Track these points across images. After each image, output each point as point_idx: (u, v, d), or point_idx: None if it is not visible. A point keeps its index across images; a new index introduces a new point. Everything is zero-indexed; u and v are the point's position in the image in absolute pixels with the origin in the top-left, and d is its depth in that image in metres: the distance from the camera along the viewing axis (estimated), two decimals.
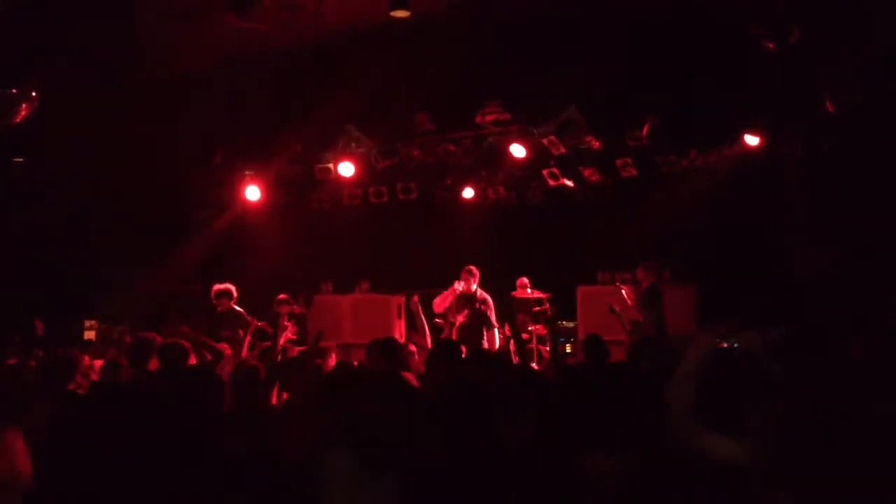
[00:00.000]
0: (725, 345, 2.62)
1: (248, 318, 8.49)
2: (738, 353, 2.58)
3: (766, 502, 2.36)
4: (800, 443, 2.29)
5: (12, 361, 7.00)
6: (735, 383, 2.55)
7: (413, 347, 6.95)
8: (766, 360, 2.56)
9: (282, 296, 9.33)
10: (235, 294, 8.75)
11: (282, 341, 8.35)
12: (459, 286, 8.73)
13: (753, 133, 9.38)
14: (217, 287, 8.79)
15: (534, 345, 10.22)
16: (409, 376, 4.93)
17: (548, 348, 9.68)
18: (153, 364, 5.00)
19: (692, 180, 10.07)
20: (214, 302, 8.75)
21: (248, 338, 8.16)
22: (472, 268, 8.82)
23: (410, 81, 8.92)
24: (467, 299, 8.81)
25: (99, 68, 8.20)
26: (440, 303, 8.86)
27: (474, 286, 8.81)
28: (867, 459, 2.27)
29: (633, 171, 10.07)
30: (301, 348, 7.84)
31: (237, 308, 8.68)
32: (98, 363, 6.63)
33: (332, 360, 6.65)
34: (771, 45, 7.33)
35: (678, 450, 2.60)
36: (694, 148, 9.88)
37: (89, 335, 10.89)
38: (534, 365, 8.51)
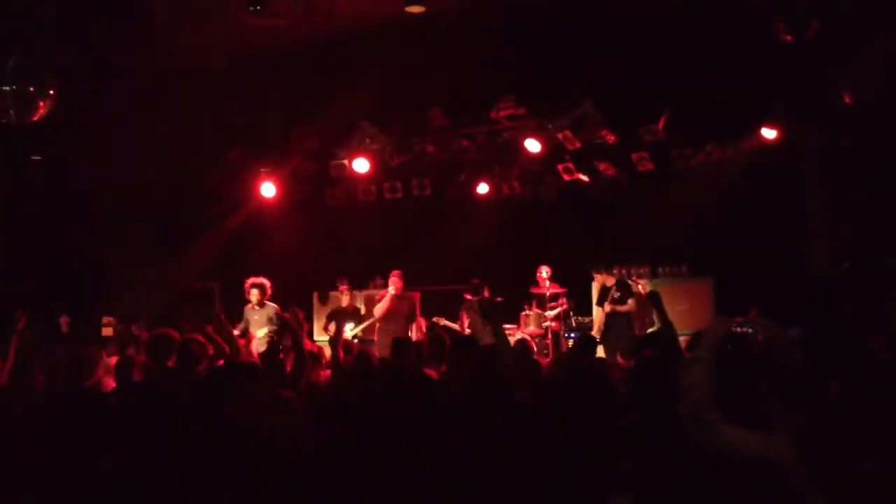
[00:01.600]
0: (742, 331, 2.53)
1: (282, 313, 8.50)
2: (756, 343, 2.50)
3: (795, 499, 2.29)
4: (828, 438, 2.25)
5: None
6: (754, 374, 2.47)
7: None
8: (785, 352, 2.50)
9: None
10: (269, 290, 8.83)
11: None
12: (392, 289, 9.78)
13: (771, 126, 9.29)
14: (252, 280, 8.89)
15: (549, 340, 10.21)
16: (430, 373, 4.92)
17: None
18: (172, 361, 5.01)
19: (709, 174, 10.00)
20: (248, 297, 8.82)
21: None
22: (398, 271, 9.91)
23: (424, 77, 8.89)
24: (399, 298, 9.88)
25: (114, 66, 8.23)
26: (382, 307, 9.82)
27: (401, 287, 9.94)
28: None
29: (650, 165, 10.00)
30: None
31: (271, 304, 8.76)
32: (114, 360, 6.67)
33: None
34: (789, 38, 7.26)
35: (694, 444, 2.53)
36: (711, 141, 9.81)
37: (106, 332, 10.96)
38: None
